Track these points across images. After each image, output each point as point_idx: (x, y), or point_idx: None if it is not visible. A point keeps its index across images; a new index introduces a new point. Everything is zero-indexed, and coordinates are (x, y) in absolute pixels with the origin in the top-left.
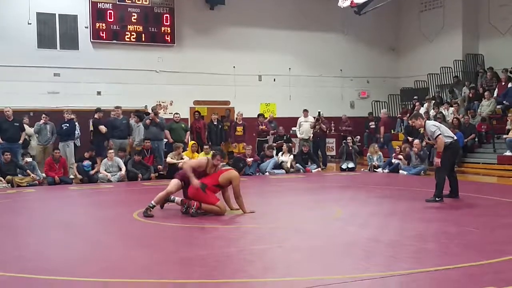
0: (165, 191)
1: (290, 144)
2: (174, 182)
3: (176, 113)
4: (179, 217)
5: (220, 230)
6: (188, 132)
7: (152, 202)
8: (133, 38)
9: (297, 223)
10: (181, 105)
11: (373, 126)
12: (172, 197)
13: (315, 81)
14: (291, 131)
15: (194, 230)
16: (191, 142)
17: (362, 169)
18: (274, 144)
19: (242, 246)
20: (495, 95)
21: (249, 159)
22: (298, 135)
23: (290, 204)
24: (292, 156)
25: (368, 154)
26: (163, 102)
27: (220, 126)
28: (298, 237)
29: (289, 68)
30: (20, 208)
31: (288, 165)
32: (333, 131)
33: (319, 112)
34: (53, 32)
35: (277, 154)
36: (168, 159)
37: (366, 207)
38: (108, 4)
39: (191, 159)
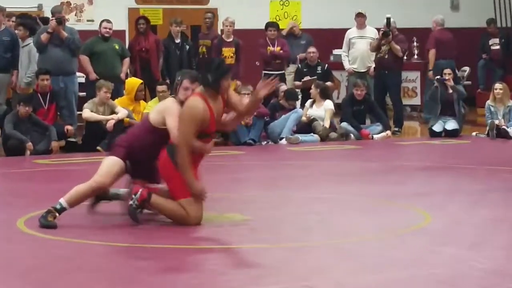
0: (91, 184)
1: (328, 83)
2: (110, 163)
3: (106, 21)
4: (111, 226)
5: (186, 255)
6: (127, 60)
7: (62, 201)
8: None
9: (342, 239)
10: (111, 5)
11: (497, 47)
12: (112, 190)
13: None
14: (331, 57)
15: (135, 254)
16: (132, 81)
17: (475, 133)
18: (298, 83)
19: None
20: None
21: None
22: (347, 66)
23: (327, 202)
24: (332, 107)
25: (488, 103)
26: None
27: (188, 47)
28: (346, 266)
29: None
30: None
31: (326, 123)
32: (415, 56)
33: (387, 19)
34: None
35: (302, 104)
36: (86, 113)
37: (478, 209)
38: None
39: (131, 112)
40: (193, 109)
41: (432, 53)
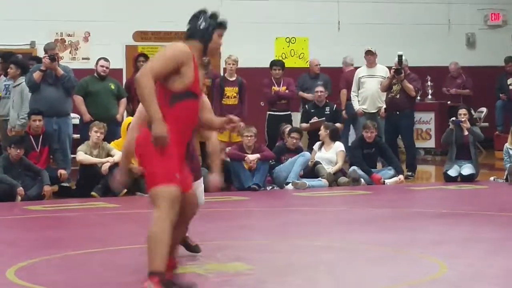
0: None
1: (337, 124)
2: None
3: (104, 59)
4: (109, 278)
5: None
6: (124, 100)
7: None
8: None
9: None
10: (108, 42)
11: None
12: None
13: None
14: (340, 98)
15: None
16: (129, 121)
17: (493, 178)
18: (305, 125)
19: None
20: None
21: (252, 157)
22: (356, 106)
23: (336, 251)
24: (343, 149)
25: (507, 146)
26: (69, 36)
27: None
28: None
29: None
30: None
31: (338, 166)
32: (429, 96)
33: (399, 57)
34: None
35: (309, 146)
36: (80, 156)
37: (497, 259)
38: None
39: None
40: (176, 46)
41: (343, 93)
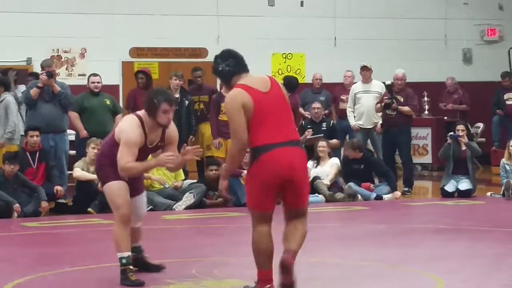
0: (116, 221)
1: (334, 140)
2: (112, 194)
3: (93, 75)
4: None
5: None
6: (120, 116)
7: (119, 254)
8: None
9: None
10: (104, 59)
11: None
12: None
13: (389, 9)
14: (335, 115)
15: None
16: None
17: (490, 193)
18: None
19: None
20: None
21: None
22: (352, 122)
23: (333, 267)
24: (338, 162)
25: (503, 161)
26: (65, 52)
27: (187, 103)
28: None
29: None
30: None
31: (329, 177)
32: (426, 112)
33: (387, 87)
34: None
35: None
36: (77, 172)
37: (495, 274)
38: None
39: None
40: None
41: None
